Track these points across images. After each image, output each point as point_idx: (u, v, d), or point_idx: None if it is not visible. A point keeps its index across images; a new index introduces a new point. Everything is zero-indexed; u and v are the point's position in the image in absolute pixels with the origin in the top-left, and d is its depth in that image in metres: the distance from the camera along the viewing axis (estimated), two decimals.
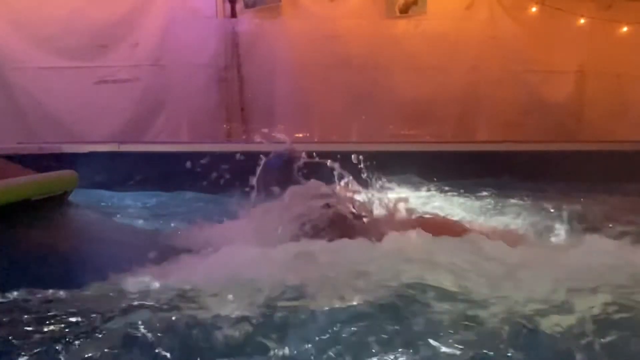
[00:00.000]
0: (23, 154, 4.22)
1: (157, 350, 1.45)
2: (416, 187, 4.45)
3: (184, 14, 6.42)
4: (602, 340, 1.51)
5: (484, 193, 4.31)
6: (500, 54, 6.75)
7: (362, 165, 3.08)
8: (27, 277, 1.95)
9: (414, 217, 2.90)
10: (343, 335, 1.52)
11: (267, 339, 1.52)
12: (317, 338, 1.51)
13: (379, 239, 2.29)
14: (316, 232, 2.50)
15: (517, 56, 6.80)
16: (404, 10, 6.69)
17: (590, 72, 7.01)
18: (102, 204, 3.97)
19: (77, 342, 1.47)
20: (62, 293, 1.74)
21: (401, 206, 2.90)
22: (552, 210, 3.50)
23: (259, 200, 2.85)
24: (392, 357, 1.47)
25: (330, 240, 2.33)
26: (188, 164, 3.25)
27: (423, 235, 2.27)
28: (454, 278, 1.86)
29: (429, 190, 4.43)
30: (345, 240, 2.28)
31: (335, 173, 2.91)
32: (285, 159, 3.00)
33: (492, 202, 4.07)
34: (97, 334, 1.52)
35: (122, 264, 2.30)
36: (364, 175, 3.07)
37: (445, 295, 1.74)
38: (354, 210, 2.74)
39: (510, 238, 2.65)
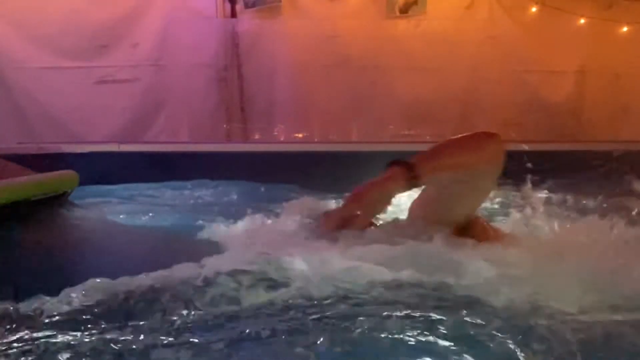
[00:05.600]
0: (23, 154, 4.22)
1: (160, 352, 1.45)
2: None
3: (184, 14, 6.43)
4: None
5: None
6: (500, 54, 6.74)
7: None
8: (27, 277, 1.95)
9: None
10: None
11: None
12: None
13: None
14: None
15: (517, 56, 6.79)
16: (404, 10, 6.69)
17: (590, 72, 7.01)
18: (103, 203, 3.97)
19: (77, 343, 1.47)
20: (62, 294, 1.74)
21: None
22: (551, 209, 3.49)
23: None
24: None
25: None
26: None
27: None
28: None
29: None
30: None
31: None
32: None
33: (492, 201, 4.06)
34: (98, 335, 1.52)
35: (124, 264, 2.30)
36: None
37: None
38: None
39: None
